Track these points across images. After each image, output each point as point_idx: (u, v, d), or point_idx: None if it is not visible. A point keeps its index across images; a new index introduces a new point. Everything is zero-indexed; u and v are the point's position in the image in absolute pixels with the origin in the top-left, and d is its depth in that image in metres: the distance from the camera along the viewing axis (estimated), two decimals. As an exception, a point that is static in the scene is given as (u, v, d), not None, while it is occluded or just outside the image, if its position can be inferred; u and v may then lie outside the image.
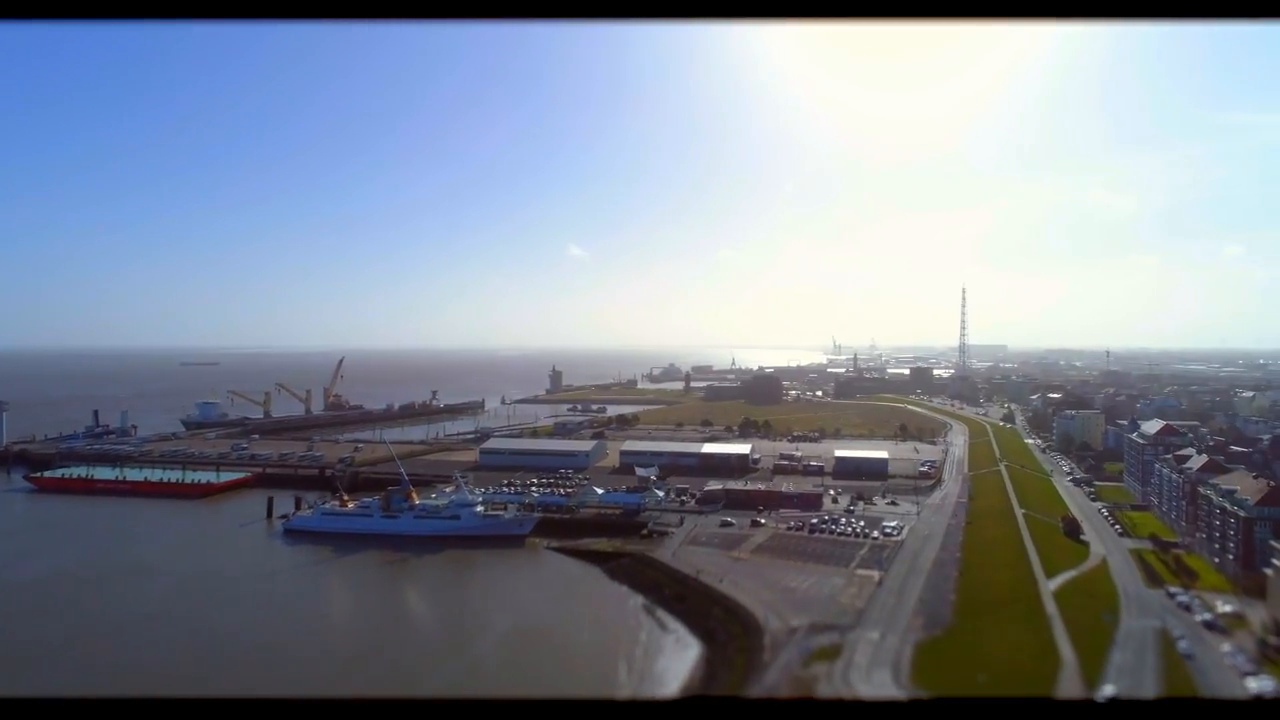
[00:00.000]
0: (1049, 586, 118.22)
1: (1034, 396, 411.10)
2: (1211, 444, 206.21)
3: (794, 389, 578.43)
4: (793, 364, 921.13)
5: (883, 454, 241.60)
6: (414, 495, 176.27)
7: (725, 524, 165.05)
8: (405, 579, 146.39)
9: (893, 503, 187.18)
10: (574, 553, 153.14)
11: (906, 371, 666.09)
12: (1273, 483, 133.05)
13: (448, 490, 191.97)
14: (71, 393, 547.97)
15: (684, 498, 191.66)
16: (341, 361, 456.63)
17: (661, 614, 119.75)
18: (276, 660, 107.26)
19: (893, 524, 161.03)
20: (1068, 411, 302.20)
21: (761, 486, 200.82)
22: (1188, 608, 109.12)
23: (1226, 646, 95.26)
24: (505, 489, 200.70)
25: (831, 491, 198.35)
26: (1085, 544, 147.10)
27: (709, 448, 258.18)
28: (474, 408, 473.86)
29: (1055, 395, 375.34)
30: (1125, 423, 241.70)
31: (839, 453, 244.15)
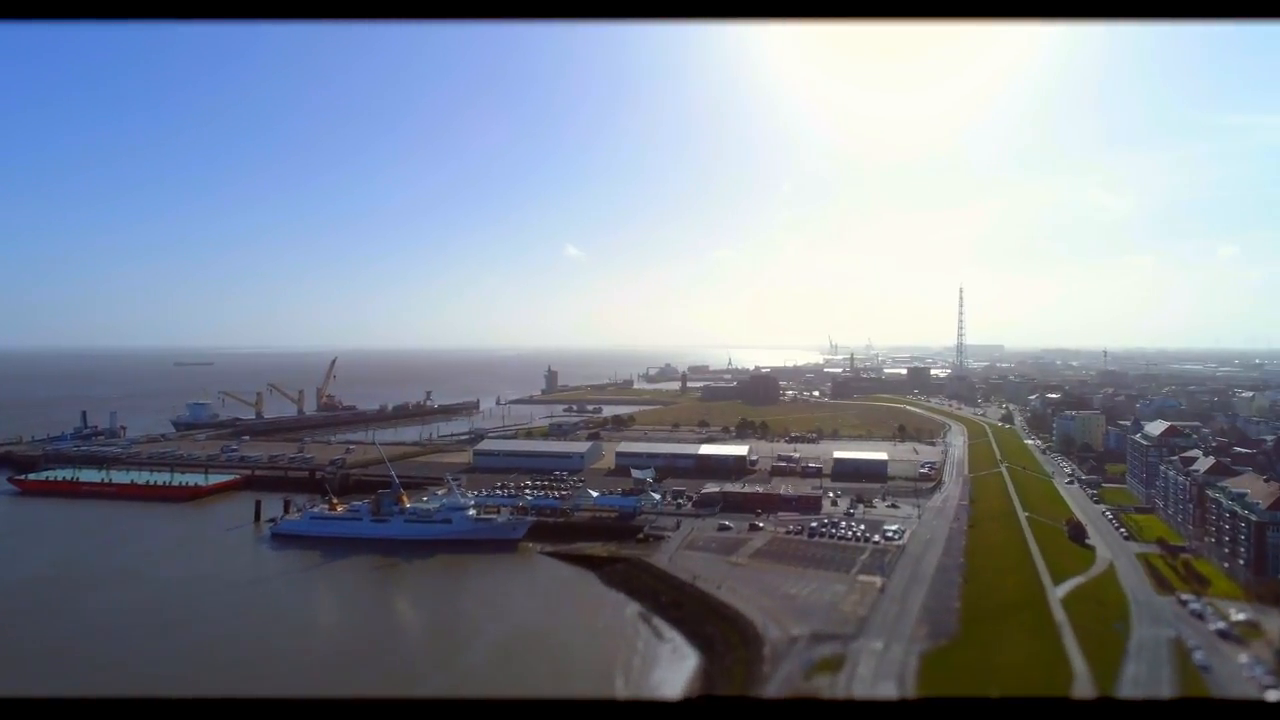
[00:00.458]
0: (1057, 593, 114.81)
1: (1032, 397, 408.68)
2: (1215, 445, 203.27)
3: (791, 389, 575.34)
4: (789, 364, 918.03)
5: (882, 455, 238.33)
6: (405, 498, 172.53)
7: (723, 528, 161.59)
8: (394, 585, 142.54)
9: (893, 505, 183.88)
10: (568, 557, 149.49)
11: (903, 371, 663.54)
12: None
13: (440, 493, 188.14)
14: (61, 393, 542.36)
15: (680, 500, 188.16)
16: (334, 362, 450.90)
17: (658, 622, 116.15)
18: (258, 670, 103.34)
19: (894, 528, 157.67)
20: (1067, 412, 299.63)
21: (759, 489, 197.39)
22: (1200, 616, 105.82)
23: (1244, 658, 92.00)
24: (498, 491, 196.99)
25: (830, 494, 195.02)
26: (1091, 548, 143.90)
27: (706, 449, 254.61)
28: (469, 408, 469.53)
29: (1054, 396, 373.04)
30: (1127, 423, 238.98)
31: (838, 454, 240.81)
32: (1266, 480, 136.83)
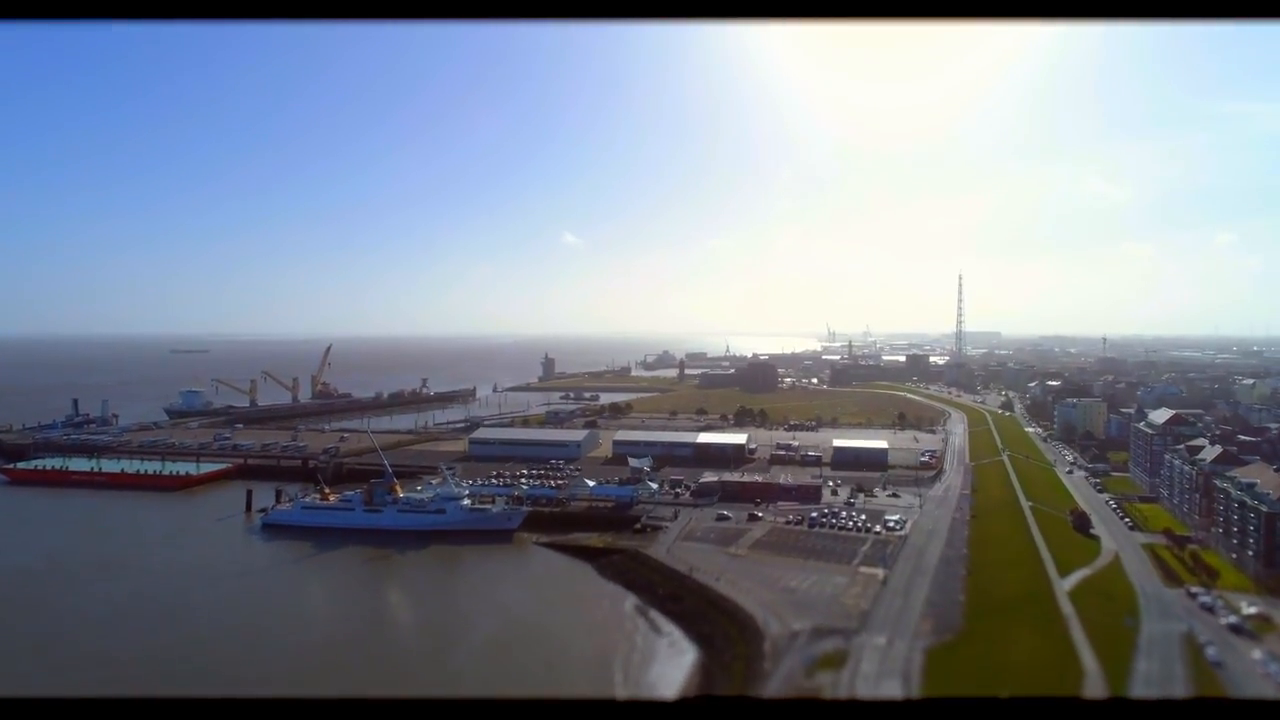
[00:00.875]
0: (1063, 586, 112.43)
1: (1032, 384, 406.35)
2: (1219, 433, 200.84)
3: (789, 376, 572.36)
4: (787, 351, 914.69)
5: (882, 444, 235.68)
6: (398, 488, 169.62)
7: (721, 518, 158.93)
8: (387, 577, 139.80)
9: (894, 494, 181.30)
10: (564, 548, 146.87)
11: (902, 358, 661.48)
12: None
13: (434, 482, 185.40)
14: (55, 380, 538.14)
15: (678, 490, 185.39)
16: (329, 349, 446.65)
17: (655, 615, 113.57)
18: (246, 665, 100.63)
19: (895, 518, 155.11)
20: (1069, 399, 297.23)
21: (758, 478, 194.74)
22: (1211, 609, 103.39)
23: (1257, 653, 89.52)
24: (494, 480, 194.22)
25: (830, 483, 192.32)
26: (1096, 539, 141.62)
27: (704, 438, 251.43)
28: (465, 396, 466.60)
29: (1054, 383, 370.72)
30: (1130, 411, 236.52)
31: (837, 442, 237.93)
32: (1276, 470, 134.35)
